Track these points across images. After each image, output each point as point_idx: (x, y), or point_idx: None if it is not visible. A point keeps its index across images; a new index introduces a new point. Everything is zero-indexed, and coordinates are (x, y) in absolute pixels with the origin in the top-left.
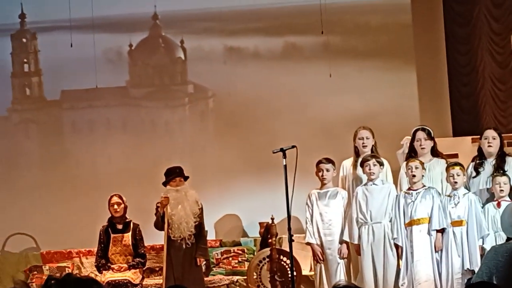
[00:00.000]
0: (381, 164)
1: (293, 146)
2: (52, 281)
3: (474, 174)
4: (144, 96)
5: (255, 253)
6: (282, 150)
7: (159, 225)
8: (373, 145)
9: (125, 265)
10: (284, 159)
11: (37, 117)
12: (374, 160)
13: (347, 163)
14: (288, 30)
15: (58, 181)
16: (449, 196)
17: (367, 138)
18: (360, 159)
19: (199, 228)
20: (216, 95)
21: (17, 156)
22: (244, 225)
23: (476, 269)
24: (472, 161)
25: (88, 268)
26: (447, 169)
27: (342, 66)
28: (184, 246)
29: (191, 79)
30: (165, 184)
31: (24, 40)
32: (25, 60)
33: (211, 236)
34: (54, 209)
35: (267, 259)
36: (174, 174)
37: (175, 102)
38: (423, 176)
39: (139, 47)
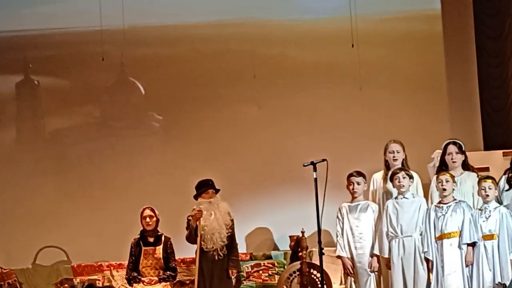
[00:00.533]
0: (411, 177)
1: (324, 160)
2: None
3: (506, 187)
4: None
5: (285, 267)
6: (312, 163)
7: (191, 238)
8: (403, 159)
9: (156, 278)
10: (314, 173)
11: (72, 132)
12: (403, 173)
13: (378, 177)
14: (319, 43)
15: (89, 194)
16: (480, 209)
17: (397, 152)
18: (390, 173)
19: (231, 239)
20: (247, 108)
21: (51, 171)
22: (275, 238)
23: (507, 283)
24: (504, 174)
25: (118, 281)
26: (478, 183)
27: (373, 80)
28: (216, 257)
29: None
30: (196, 197)
31: None
32: None
33: (242, 249)
34: (85, 222)
35: (297, 273)
36: (206, 186)
37: (208, 114)
38: (453, 189)
39: None
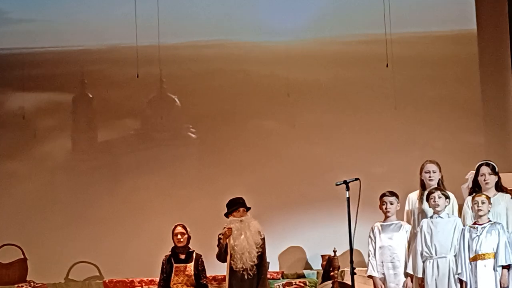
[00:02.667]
0: (447, 197)
1: (357, 179)
2: None
3: None
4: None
5: (317, 286)
6: (345, 182)
7: (221, 256)
8: (439, 179)
9: None
10: (347, 192)
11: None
12: (439, 192)
13: (413, 196)
14: (353, 62)
15: (122, 210)
16: None
17: (433, 172)
18: (426, 192)
19: (261, 258)
20: (281, 125)
21: (84, 186)
22: (308, 257)
23: None
24: None
25: None
26: None
27: (407, 100)
28: (246, 277)
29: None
30: (227, 215)
31: None
32: None
33: (274, 267)
34: (117, 238)
35: None
36: (238, 205)
37: (241, 131)
38: (489, 211)
39: None
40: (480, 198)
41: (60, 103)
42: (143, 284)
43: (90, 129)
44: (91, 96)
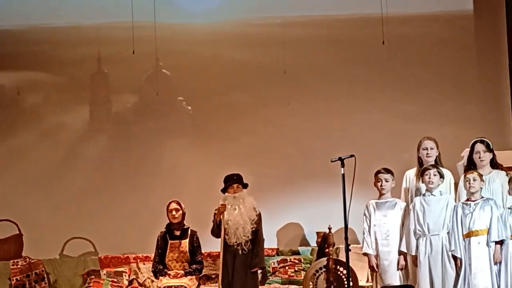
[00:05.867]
0: (442, 176)
1: (352, 155)
2: None
3: None
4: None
5: (312, 263)
6: (340, 159)
7: (215, 232)
8: (437, 156)
9: (182, 272)
10: (342, 168)
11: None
12: (435, 170)
13: (411, 174)
14: (350, 41)
15: (116, 186)
16: (509, 208)
17: (431, 149)
18: (422, 168)
19: (256, 235)
20: (277, 104)
21: (78, 160)
22: (305, 233)
23: None
24: None
25: (145, 273)
26: (509, 181)
27: (404, 78)
28: (240, 252)
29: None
30: (223, 191)
31: None
32: None
33: (272, 244)
34: (112, 214)
35: (323, 269)
36: (231, 181)
37: (238, 110)
38: (482, 188)
39: None
40: (471, 175)
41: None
42: (138, 260)
43: (91, 103)
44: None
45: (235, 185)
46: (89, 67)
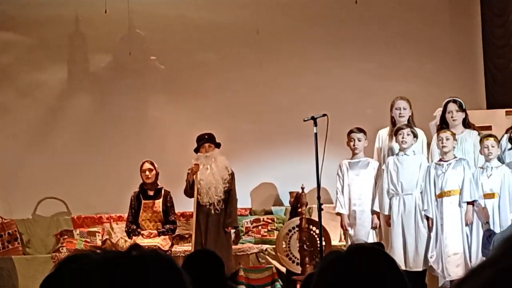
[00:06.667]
0: (415, 135)
1: (324, 115)
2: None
3: (509, 146)
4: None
5: (285, 222)
6: (313, 118)
7: (188, 192)
8: (410, 116)
9: (155, 231)
10: (315, 128)
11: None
12: (408, 129)
13: (383, 133)
14: (321, 1)
15: (89, 146)
16: (481, 168)
17: (404, 108)
18: (395, 129)
19: (229, 194)
20: (250, 64)
21: (54, 119)
22: (279, 193)
23: None
24: (506, 132)
25: (118, 233)
26: (481, 141)
27: (376, 36)
28: (212, 211)
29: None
30: (196, 150)
31: None
32: None
33: (246, 204)
34: (85, 174)
35: (296, 229)
36: (203, 140)
37: (211, 70)
38: (454, 147)
39: None
40: (444, 135)
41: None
42: (112, 220)
43: (69, 62)
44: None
45: (207, 145)
46: (64, 27)
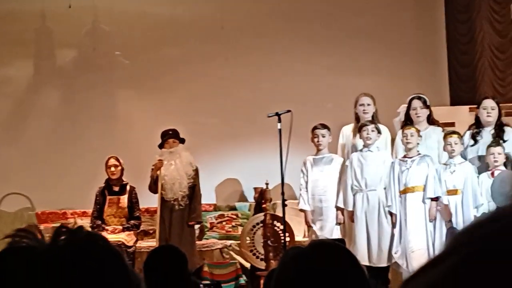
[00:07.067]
0: (379, 131)
1: (288, 111)
2: (63, 229)
3: (471, 142)
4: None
5: (249, 218)
6: (277, 114)
7: (152, 187)
8: (374, 112)
9: (120, 227)
10: (279, 124)
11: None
12: (372, 126)
13: (347, 130)
14: None
15: (55, 141)
16: (445, 164)
17: (368, 105)
18: (359, 125)
19: (193, 190)
20: (214, 60)
21: (21, 113)
22: (244, 189)
23: None
24: (468, 129)
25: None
26: (444, 137)
27: (340, 32)
28: (177, 207)
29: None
30: (160, 146)
31: None
32: None
33: (210, 199)
34: (50, 169)
35: (260, 224)
36: (167, 136)
37: (175, 65)
38: (418, 143)
39: None
40: (409, 131)
41: None
42: (76, 216)
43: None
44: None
45: (171, 140)
46: (30, 21)
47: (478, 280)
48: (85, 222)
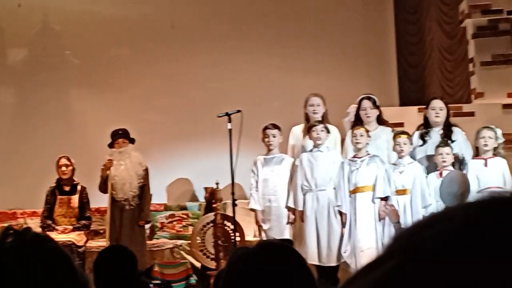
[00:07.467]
0: (329, 131)
1: (239, 111)
2: (11, 231)
3: (420, 142)
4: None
5: (200, 218)
6: (227, 114)
7: (102, 187)
8: (323, 113)
9: (70, 227)
10: (229, 124)
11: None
12: (322, 126)
13: (297, 130)
14: None
15: (5, 140)
16: (394, 164)
17: (317, 105)
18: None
19: (143, 190)
20: (164, 60)
21: None
22: (195, 189)
23: None
24: (417, 129)
25: (32, 229)
26: (394, 138)
27: (289, 32)
28: (127, 207)
29: None
30: (110, 145)
31: None
32: None
33: (161, 199)
34: (0, 168)
35: (211, 224)
36: (117, 136)
37: (124, 65)
38: (368, 143)
39: None
40: (359, 131)
41: None
42: (26, 215)
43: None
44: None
45: (121, 140)
46: None
47: (413, 285)
48: (35, 222)
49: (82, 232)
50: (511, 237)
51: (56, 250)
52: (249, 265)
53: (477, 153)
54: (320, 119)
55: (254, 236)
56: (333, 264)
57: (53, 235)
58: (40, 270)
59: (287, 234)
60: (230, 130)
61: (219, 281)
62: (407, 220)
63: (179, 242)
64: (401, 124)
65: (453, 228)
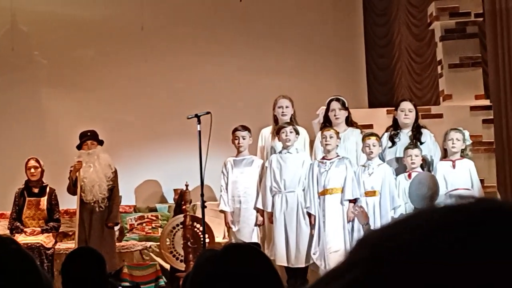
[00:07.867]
0: (297, 132)
1: (208, 112)
2: None
3: (389, 144)
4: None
5: (169, 219)
6: (197, 116)
7: (71, 189)
8: (292, 114)
9: (39, 229)
10: (198, 125)
11: None
12: (291, 127)
13: (266, 132)
14: None
15: None
16: (363, 166)
17: (286, 107)
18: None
19: (112, 192)
20: (134, 61)
21: None
22: (164, 191)
23: None
24: (386, 131)
25: (0, 231)
26: (363, 140)
27: (260, 31)
28: (97, 209)
29: None
30: (79, 147)
31: None
32: None
33: (130, 201)
34: None
35: (180, 226)
36: (85, 137)
37: (93, 66)
38: (337, 145)
39: None
40: (328, 133)
41: None
42: None
43: None
44: None
45: (89, 142)
46: None
47: None
48: (3, 224)
49: (51, 234)
50: (479, 241)
51: (19, 252)
52: (216, 267)
53: (445, 155)
54: (288, 120)
55: (224, 237)
56: (302, 265)
57: (22, 237)
58: (3, 273)
59: (255, 237)
60: (199, 132)
61: (187, 283)
62: (376, 221)
63: (149, 244)
64: (370, 126)
65: (419, 237)
